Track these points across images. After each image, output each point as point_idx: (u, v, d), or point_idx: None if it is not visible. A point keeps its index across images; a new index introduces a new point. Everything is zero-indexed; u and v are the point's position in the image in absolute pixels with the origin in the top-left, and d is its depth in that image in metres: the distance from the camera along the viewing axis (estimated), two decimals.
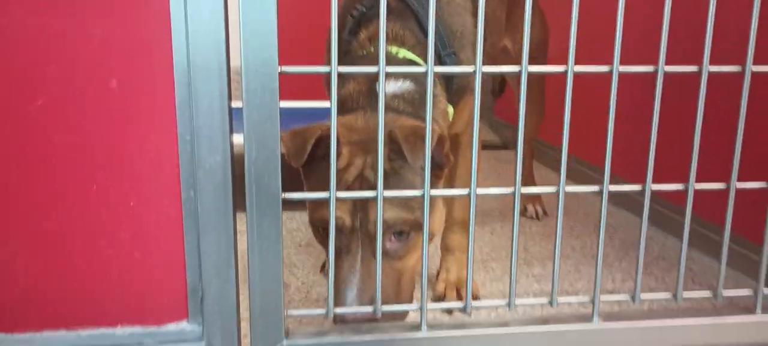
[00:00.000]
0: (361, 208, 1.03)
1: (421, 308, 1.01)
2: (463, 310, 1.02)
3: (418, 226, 1.06)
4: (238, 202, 0.91)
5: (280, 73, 0.86)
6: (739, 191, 1.01)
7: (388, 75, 1.18)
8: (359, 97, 1.16)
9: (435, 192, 0.97)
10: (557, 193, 1.00)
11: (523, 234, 1.82)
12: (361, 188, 1.05)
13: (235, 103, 0.90)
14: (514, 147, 2.96)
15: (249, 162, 0.88)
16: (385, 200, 0.96)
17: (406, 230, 1.06)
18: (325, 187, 0.92)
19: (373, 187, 0.99)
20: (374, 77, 1.17)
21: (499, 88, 2.12)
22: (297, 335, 0.98)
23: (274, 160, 0.88)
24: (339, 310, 1.00)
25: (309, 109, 2.13)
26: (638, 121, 1.53)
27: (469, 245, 0.99)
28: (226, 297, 0.93)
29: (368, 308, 1.00)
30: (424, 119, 0.93)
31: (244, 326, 1.00)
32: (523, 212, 1.99)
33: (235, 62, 0.87)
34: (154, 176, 0.90)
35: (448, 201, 1.38)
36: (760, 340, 1.10)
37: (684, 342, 1.08)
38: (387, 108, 1.10)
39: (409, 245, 1.08)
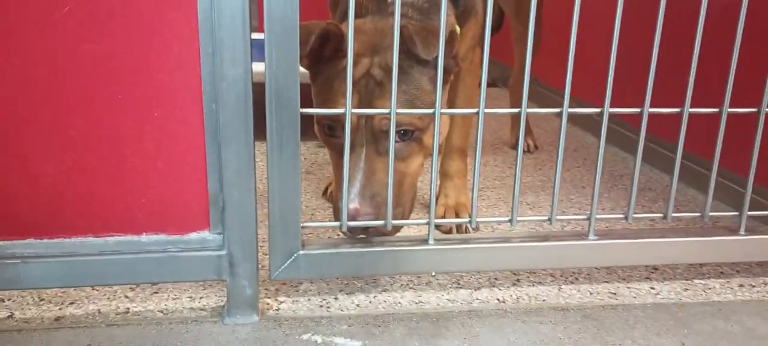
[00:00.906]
0: (367, 103, 1.05)
1: (429, 223, 1.06)
2: (469, 223, 1.07)
3: (423, 127, 1.10)
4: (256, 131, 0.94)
5: None
6: (727, 126, 1.07)
7: None
8: (369, 4, 1.18)
9: (444, 111, 1.01)
10: (561, 114, 1.04)
11: (516, 166, 1.87)
12: (367, 86, 1.07)
13: (255, 35, 0.93)
14: (505, 84, 3.00)
15: (270, 74, 0.91)
16: (388, 91, 0.99)
17: (411, 130, 1.09)
18: (332, 86, 0.95)
19: (380, 83, 1.04)
20: None
21: (497, 22, 2.13)
22: (312, 246, 1.04)
23: (293, 74, 0.92)
24: (352, 223, 1.04)
25: None
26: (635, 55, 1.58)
27: (475, 166, 1.04)
28: (246, 208, 0.98)
29: (379, 222, 1.04)
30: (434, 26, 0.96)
31: (262, 236, 1.05)
32: (516, 146, 2.04)
33: None
34: (177, 88, 0.92)
35: (448, 127, 1.43)
36: (744, 258, 1.18)
37: (673, 259, 1.15)
38: (388, 11, 1.12)
39: (413, 146, 1.10)
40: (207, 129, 0.95)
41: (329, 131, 1.11)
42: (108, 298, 1.08)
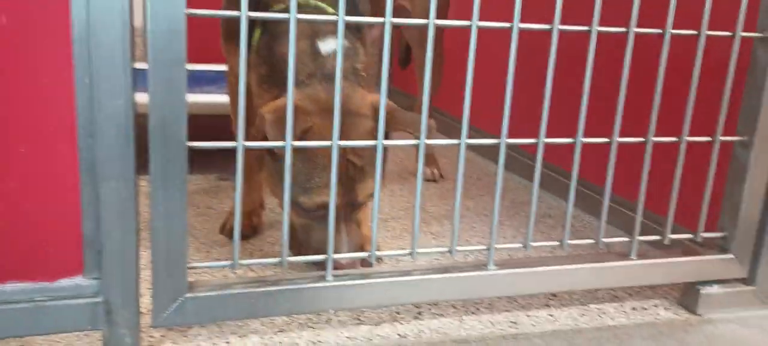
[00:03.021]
0: (348, 187, 1.16)
1: (327, 259, 1.02)
2: (368, 259, 1.05)
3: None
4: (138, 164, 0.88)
5: (187, 15, 0.83)
6: (619, 155, 1.10)
7: (324, 32, 1.18)
8: (304, 58, 1.16)
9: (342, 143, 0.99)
10: (458, 146, 1.04)
11: (421, 195, 1.87)
12: (347, 172, 1.15)
13: (138, 65, 0.87)
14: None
15: (153, 106, 0.85)
16: (368, 174, 1.17)
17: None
18: (310, 166, 1.10)
19: (358, 167, 1.15)
20: (313, 33, 1.17)
21: (405, 57, 2.15)
22: (200, 288, 0.97)
23: (179, 106, 0.86)
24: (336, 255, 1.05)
25: (215, 73, 2.07)
26: (533, 85, 1.62)
27: (374, 199, 1.02)
28: (126, 250, 0.90)
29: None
30: (365, 80, 0.98)
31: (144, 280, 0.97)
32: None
33: (138, 21, 0.84)
34: (48, 121, 0.84)
35: None
36: (636, 282, 1.21)
37: (570, 285, 1.17)
38: (333, 74, 1.09)
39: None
40: (82, 165, 0.87)
41: (307, 212, 1.18)
42: None
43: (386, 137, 1.12)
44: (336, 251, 1.09)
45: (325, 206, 1.10)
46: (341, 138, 1.06)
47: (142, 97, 0.85)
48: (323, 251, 1.05)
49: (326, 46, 1.18)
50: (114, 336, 0.92)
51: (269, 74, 1.20)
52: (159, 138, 0.86)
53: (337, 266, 1.09)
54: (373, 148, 1.00)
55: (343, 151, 1.12)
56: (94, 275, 0.91)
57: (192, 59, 0.89)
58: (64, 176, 0.87)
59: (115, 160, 0.86)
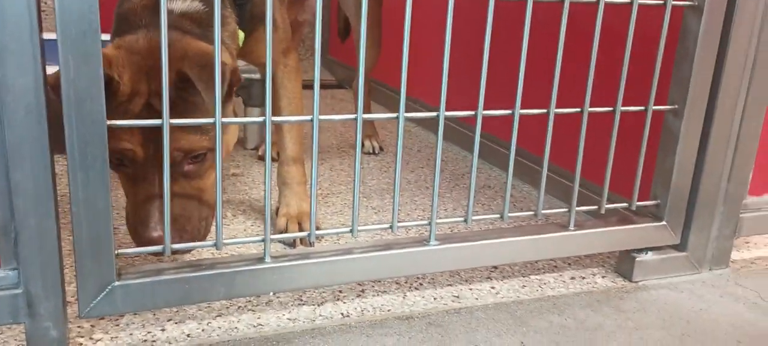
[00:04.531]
0: (154, 137, 0.96)
1: (264, 239, 0.99)
2: (307, 239, 1.01)
3: (213, 146, 1.00)
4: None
5: None
6: (556, 125, 1.10)
7: None
8: (143, 13, 1.06)
9: (226, 120, 0.93)
10: (397, 119, 1.01)
11: (360, 169, 1.85)
12: (149, 118, 0.95)
13: (48, 35, 0.80)
14: (350, 86, 3.00)
15: (67, 83, 0.79)
16: (179, 127, 0.96)
17: (202, 153, 1.02)
18: (111, 117, 0.84)
19: (161, 116, 0.90)
20: None
21: (344, 29, 2.10)
22: (129, 275, 0.92)
23: (96, 81, 0.80)
24: (176, 246, 0.94)
25: None
26: (469, 57, 1.61)
27: (312, 175, 0.98)
28: (45, 237, 0.84)
29: (207, 244, 0.95)
30: (211, 40, 0.88)
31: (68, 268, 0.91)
32: (361, 147, 2.02)
33: None
34: None
35: (280, 137, 1.38)
36: (574, 252, 1.23)
37: (511, 258, 1.17)
38: (173, 27, 1.01)
39: (207, 164, 1.05)
40: None
41: (118, 162, 1.00)
42: None
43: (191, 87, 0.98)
44: (139, 220, 0.98)
45: (129, 156, 0.98)
46: (148, 82, 0.98)
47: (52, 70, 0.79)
48: (141, 230, 0.97)
49: (173, 3, 1.09)
50: (37, 329, 0.86)
51: (115, 29, 1.10)
52: (74, 116, 0.80)
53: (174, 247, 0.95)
54: (178, 99, 0.94)
55: (146, 95, 0.99)
56: (12, 265, 0.85)
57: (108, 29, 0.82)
58: None
59: (26, 142, 0.79)
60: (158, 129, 0.89)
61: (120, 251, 0.90)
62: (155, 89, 0.97)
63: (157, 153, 0.96)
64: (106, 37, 0.95)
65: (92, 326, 0.99)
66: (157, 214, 0.97)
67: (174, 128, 0.94)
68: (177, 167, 1.01)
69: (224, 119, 0.91)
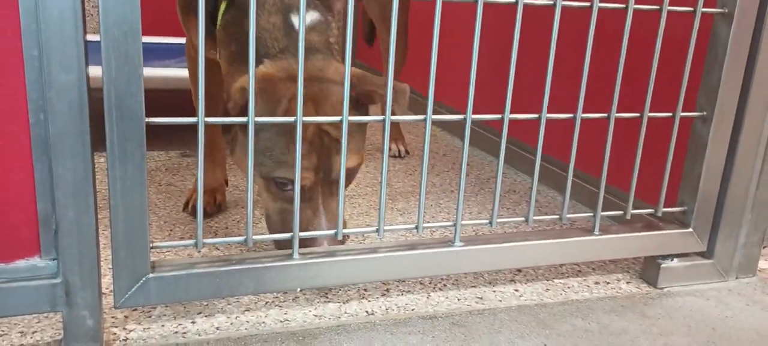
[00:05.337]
0: (326, 162, 1.07)
1: (293, 237, 1.01)
2: (335, 236, 1.04)
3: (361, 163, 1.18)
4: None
5: None
6: (582, 131, 1.11)
7: (297, 6, 1.14)
8: (277, 33, 1.11)
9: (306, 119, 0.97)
10: (424, 122, 1.03)
11: (381, 177, 1.87)
12: (322, 143, 1.06)
13: (91, 37, 0.83)
14: None
15: (108, 81, 0.82)
16: (351, 149, 1.09)
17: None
18: (287, 139, 1.00)
19: (334, 139, 1.06)
20: (285, 7, 1.13)
21: (370, 33, 2.13)
22: (163, 268, 0.95)
23: (136, 80, 0.83)
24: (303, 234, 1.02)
25: (167, 45, 2.01)
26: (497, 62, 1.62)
27: (341, 176, 1.00)
28: (84, 229, 0.87)
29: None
30: (340, 54, 0.95)
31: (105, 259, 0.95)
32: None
33: None
34: None
35: None
36: (598, 257, 1.23)
37: (535, 261, 1.18)
38: (309, 47, 1.07)
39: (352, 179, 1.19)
40: (34, 142, 0.84)
41: (277, 187, 1.09)
42: None
43: (361, 108, 1.13)
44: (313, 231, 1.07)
45: (302, 182, 1.06)
46: (315, 108, 1.06)
47: (97, 71, 0.82)
48: (302, 237, 1.03)
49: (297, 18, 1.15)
50: (74, 318, 0.90)
51: (239, 51, 1.16)
52: (115, 113, 0.83)
53: (304, 245, 1.05)
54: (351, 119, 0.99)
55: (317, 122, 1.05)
56: (52, 255, 0.89)
57: (148, 31, 0.85)
58: (15, 154, 0.83)
59: (68, 137, 0.82)
60: (328, 157, 1.06)
61: (155, 244, 0.93)
62: (323, 114, 1.06)
63: (325, 176, 1.09)
64: (146, 39, 0.99)
65: (126, 316, 1.03)
66: (323, 218, 1.10)
67: (348, 150, 1.07)
68: (335, 185, 1.11)
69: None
